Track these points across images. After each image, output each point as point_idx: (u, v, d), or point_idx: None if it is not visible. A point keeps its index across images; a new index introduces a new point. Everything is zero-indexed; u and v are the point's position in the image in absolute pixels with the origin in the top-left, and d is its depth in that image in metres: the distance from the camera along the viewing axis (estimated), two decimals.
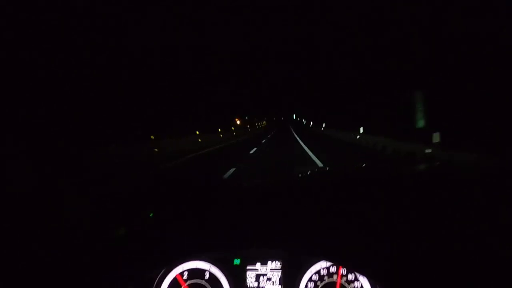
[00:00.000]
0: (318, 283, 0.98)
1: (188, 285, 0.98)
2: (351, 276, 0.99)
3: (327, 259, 0.94)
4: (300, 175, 1.60)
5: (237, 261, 0.98)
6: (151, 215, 0.97)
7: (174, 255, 0.86)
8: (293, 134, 33.63)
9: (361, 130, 17.40)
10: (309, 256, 0.97)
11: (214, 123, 25.82)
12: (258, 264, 0.99)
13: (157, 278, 0.97)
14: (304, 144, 18.35)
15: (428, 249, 0.73)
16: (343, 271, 0.99)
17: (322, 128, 33.42)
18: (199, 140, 19.68)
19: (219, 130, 26.68)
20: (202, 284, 0.99)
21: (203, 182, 1.17)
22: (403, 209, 0.85)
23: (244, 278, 0.98)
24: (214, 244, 0.85)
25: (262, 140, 23.31)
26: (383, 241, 0.77)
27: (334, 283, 0.98)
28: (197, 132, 20.92)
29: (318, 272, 0.98)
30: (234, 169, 8.99)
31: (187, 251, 0.87)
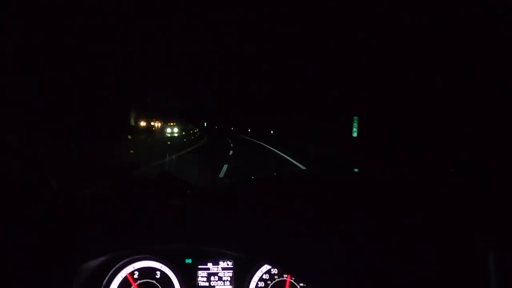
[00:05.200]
0: (269, 282, 1.00)
1: (139, 284, 0.98)
2: None
3: (275, 267, 0.97)
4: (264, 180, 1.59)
5: (188, 260, 0.99)
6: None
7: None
8: None
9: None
10: (258, 261, 0.99)
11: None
12: (210, 263, 0.99)
13: (107, 277, 0.96)
14: None
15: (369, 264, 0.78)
16: None
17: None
18: None
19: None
20: (153, 283, 0.98)
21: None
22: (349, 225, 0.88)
23: (195, 277, 0.98)
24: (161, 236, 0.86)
25: None
26: (329, 253, 0.80)
27: (284, 281, 1.01)
28: None
29: (268, 271, 1.00)
30: None
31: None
